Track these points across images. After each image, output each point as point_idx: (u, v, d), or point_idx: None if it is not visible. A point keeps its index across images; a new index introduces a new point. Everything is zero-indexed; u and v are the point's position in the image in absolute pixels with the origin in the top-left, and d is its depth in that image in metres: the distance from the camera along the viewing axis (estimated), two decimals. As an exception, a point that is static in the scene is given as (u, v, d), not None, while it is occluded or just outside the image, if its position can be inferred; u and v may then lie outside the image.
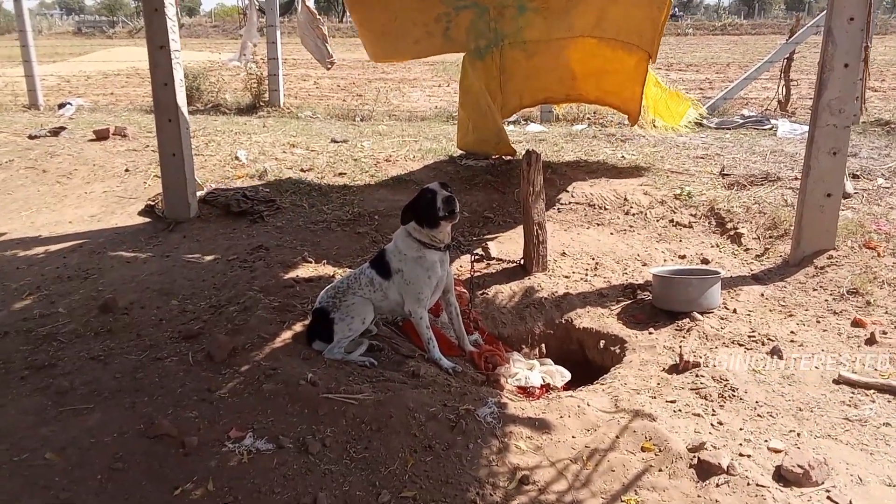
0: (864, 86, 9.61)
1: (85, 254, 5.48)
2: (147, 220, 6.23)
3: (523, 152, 5.14)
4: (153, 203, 6.33)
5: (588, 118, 11.00)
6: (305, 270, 5.01)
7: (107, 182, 7.12)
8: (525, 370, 4.12)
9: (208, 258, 5.31)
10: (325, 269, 5.07)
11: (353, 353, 3.83)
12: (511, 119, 10.78)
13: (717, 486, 2.79)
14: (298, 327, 4.08)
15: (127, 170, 7.38)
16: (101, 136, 8.28)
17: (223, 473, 2.87)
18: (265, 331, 3.96)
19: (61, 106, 12.03)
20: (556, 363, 4.35)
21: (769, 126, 9.95)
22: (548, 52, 7.26)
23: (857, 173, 6.49)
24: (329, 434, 3.11)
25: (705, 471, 2.86)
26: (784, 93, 11.28)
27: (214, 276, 4.94)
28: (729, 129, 9.92)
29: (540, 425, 3.24)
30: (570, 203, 6.31)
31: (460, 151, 7.97)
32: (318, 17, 11.14)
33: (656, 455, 2.99)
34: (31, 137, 8.39)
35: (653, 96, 7.47)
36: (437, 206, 3.66)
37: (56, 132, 8.54)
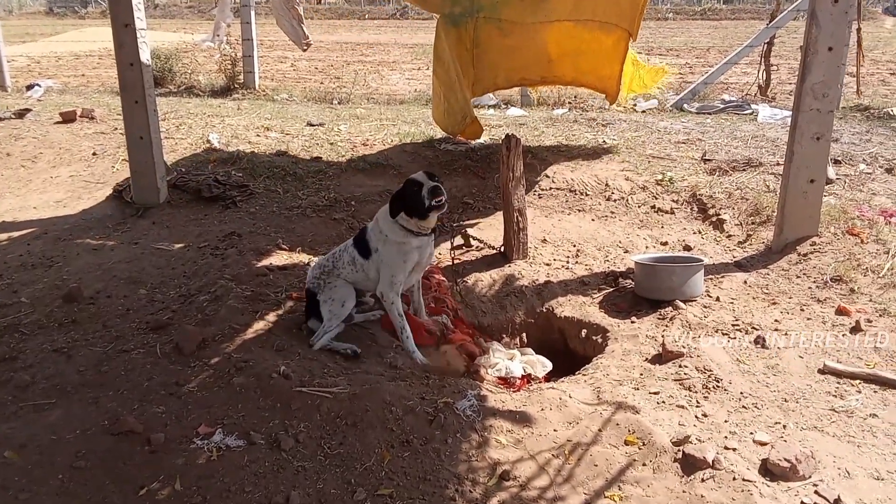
0: (858, 69, 9.57)
1: (50, 241, 5.28)
2: (115, 205, 6.03)
3: (503, 137, 5.01)
4: (121, 188, 6.12)
5: (569, 102, 10.88)
6: (279, 258, 4.86)
7: (73, 166, 6.89)
8: (505, 360, 4.02)
9: (178, 245, 5.14)
10: (300, 257, 4.93)
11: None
12: (491, 103, 10.64)
13: (703, 480, 2.71)
14: (271, 317, 3.95)
15: (94, 153, 7.15)
16: (68, 118, 8.02)
17: (191, 472, 2.75)
18: (236, 321, 3.82)
19: (29, 87, 11.65)
20: (537, 353, 4.25)
21: (750, 111, 9.92)
22: (524, 33, 7.10)
23: (839, 159, 6.46)
24: (302, 429, 2.99)
25: (690, 465, 2.79)
26: (764, 77, 11.22)
27: (184, 264, 4.78)
28: (710, 114, 9.87)
29: (521, 418, 3.15)
30: (550, 188, 6.21)
31: (440, 135, 7.82)
32: (293, -4, 10.86)
33: (640, 449, 2.91)
34: (-6, 120, 8.11)
35: (629, 74, 7.37)
36: (424, 196, 3.56)
37: (21, 114, 8.26)
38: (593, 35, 6.79)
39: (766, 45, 11.06)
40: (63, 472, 2.74)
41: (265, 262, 4.75)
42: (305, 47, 10.98)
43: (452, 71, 6.58)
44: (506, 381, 3.87)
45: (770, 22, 11.02)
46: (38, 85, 11.70)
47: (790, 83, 12.54)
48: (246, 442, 2.90)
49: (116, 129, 7.77)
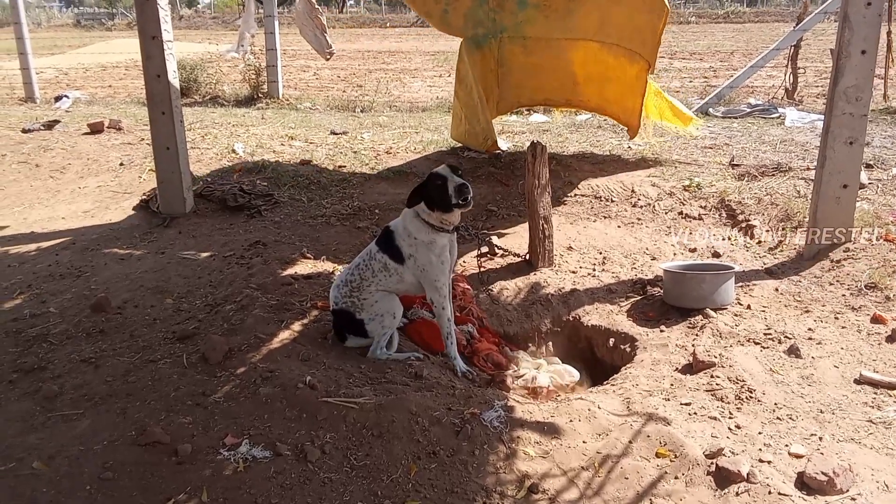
0: (887, 73, 9.40)
1: (77, 251, 5.34)
2: (142, 215, 6.09)
3: (527, 144, 4.98)
4: (148, 198, 6.18)
5: (592, 108, 10.81)
6: (304, 267, 4.86)
7: (101, 176, 6.98)
8: (532, 370, 3.97)
9: (204, 255, 5.17)
10: (325, 266, 4.92)
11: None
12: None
13: (737, 494, 2.64)
14: (297, 327, 3.93)
15: (121, 164, 7.24)
16: (96, 129, 8.13)
17: (218, 483, 2.73)
18: (262, 331, 3.81)
19: (58, 99, 11.86)
20: (563, 362, 4.20)
21: (777, 115, 9.78)
22: (548, 51, 7.08)
23: (871, 163, 6.32)
24: (329, 440, 2.96)
25: (724, 478, 2.72)
26: (791, 81, 11.08)
27: (210, 274, 4.80)
28: (736, 118, 9.74)
29: (549, 430, 3.09)
30: (575, 195, 6.16)
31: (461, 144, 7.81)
32: (316, 6, 10.95)
33: (672, 461, 2.84)
34: (24, 131, 8.24)
35: (655, 104, 7.26)
36: (449, 193, 3.46)
37: (50, 126, 8.39)
38: (618, 62, 6.71)
39: (792, 48, 10.93)
40: (91, 483, 2.74)
41: (290, 272, 4.75)
42: (328, 56, 11.06)
43: (475, 93, 6.60)
44: (532, 391, 3.82)
45: (797, 25, 10.88)
46: (66, 96, 11.90)
47: (817, 86, 12.37)
48: (272, 453, 2.88)
49: (143, 139, 7.87)
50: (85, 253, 5.30)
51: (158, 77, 5.61)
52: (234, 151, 7.47)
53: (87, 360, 3.67)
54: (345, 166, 7.16)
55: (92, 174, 7.06)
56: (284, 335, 3.80)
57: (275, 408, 3.15)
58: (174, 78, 5.73)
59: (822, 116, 8.37)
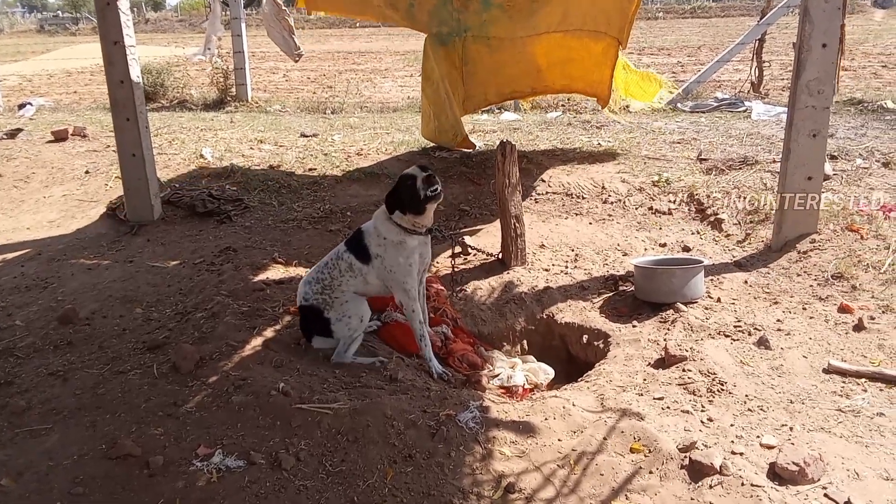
0: (839, 65, 9.56)
1: (44, 262, 5.24)
2: (109, 223, 5.98)
3: (498, 142, 4.98)
4: (115, 206, 6.08)
5: (562, 105, 10.88)
6: (276, 272, 4.82)
7: (66, 185, 6.85)
8: (507, 369, 3.98)
9: (173, 262, 5.10)
10: (297, 270, 4.88)
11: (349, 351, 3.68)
12: (485, 107, 10.61)
13: (711, 487, 2.67)
14: (269, 333, 3.90)
15: (87, 171, 7.11)
16: (60, 136, 7.98)
17: (191, 495, 2.69)
18: (234, 338, 3.77)
19: (21, 106, 11.63)
20: (538, 360, 4.22)
21: (743, 108, 9.91)
22: (512, 47, 7.10)
23: (835, 154, 6.43)
24: (303, 447, 2.94)
25: (697, 471, 2.74)
26: (757, 74, 11.24)
27: (180, 281, 4.74)
28: (703, 112, 9.86)
29: (524, 429, 3.10)
30: (547, 193, 6.18)
31: (433, 143, 7.80)
32: (283, 8, 10.86)
33: (646, 456, 2.86)
34: (-14, 140, 8.07)
35: (623, 79, 7.35)
36: (419, 188, 3.45)
37: (13, 134, 8.22)
38: (582, 42, 6.78)
39: (757, 42, 11.09)
40: (61, 499, 2.68)
41: (261, 277, 4.71)
42: (297, 58, 10.98)
43: (442, 90, 6.58)
44: (508, 391, 3.83)
45: (761, 19, 11.05)
46: (29, 104, 11.68)
47: (782, 79, 12.56)
48: (246, 462, 2.85)
49: (109, 146, 7.73)
50: (51, 264, 5.20)
51: (122, 83, 5.52)
52: (202, 156, 7.38)
53: (55, 373, 3.59)
54: (315, 169, 7.11)
55: (57, 183, 6.93)
56: (256, 342, 3.76)
57: (248, 416, 3.11)
58: (138, 83, 5.64)
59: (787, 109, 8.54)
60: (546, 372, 4.05)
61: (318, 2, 7.43)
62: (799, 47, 4.58)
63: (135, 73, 5.57)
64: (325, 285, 3.66)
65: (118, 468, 2.82)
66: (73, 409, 3.25)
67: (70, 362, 3.72)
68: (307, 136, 8.52)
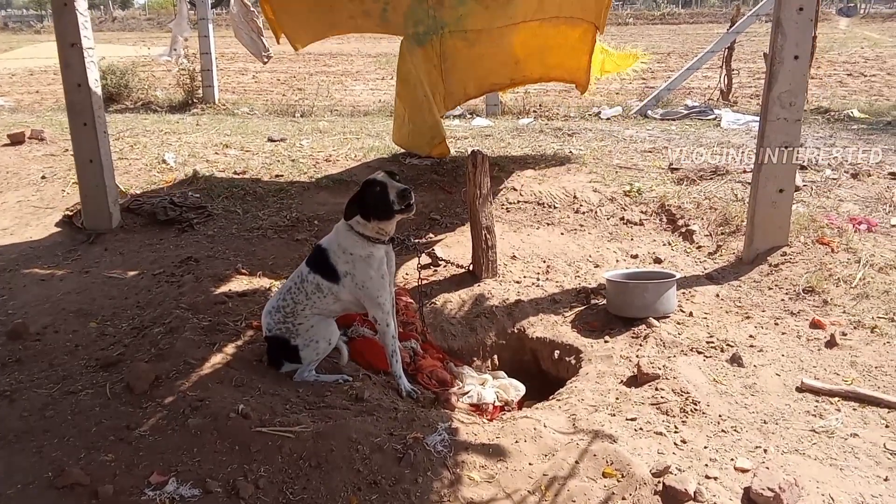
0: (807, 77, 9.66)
1: (-6, 272, 5.01)
2: (65, 231, 5.76)
3: (469, 150, 4.88)
4: (72, 213, 5.86)
5: (534, 111, 10.83)
6: (239, 283, 4.66)
7: (21, 191, 6.59)
8: (477, 386, 3.88)
9: (132, 273, 4.91)
10: (261, 282, 4.73)
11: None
12: (456, 113, 10.54)
13: (685, 514, 2.60)
14: (230, 349, 3.74)
15: (43, 177, 6.86)
16: (16, 140, 7.70)
17: (142, 528, 2.55)
18: (193, 355, 3.61)
19: (-22, 106, 11.28)
20: (509, 375, 4.12)
21: (713, 116, 9.97)
22: (489, 39, 7.02)
23: (805, 164, 6.45)
24: (263, 474, 2.80)
25: (671, 497, 2.66)
26: (726, 82, 11.32)
27: (138, 294, 4.56)
28: (674, 120, 9.89)
29: (494, 452, 3.00)
30: (518, 202, 6.10)
31: (404, 150, 7.68)
32: (252, 9, 10.65)
33: (619, 481, 2.78)
34: (-62, 143, 7.76)
35: (600, 61, 7.37)
36: (391, 199, 3.28)
37: (-33, 136, 7.91)
38: (559, 30, 6.77)
39: (727, 50, 11.17)
40: (2, 533, 2.53)
41: (224, 289, 4.55)
42: (266, 60, 10.79)
43: (419, 91, 6.46)
44: (478, 408, 3.72)
45: (731, 27, 11.13)
46: (-13, 104, 11.32)
47: (750, 87, 12.69)
48: (202, 491, 2.71)
49: (67, 150, 7.47)
50: (2, 274, 4.98)
51: (79, 86, 5.31)
52: (164, 162, 7.17)
53: (2, 393, 3.39)
54: (282, 175, 6.95)
55: (11, 188, 6.66)
56: (216, 359, 3.61)
57: (205, 440, 2.96)
58: (96, 87, 5.43)
59: (757, 118, 8.56)
60: (517, 388, 3.96)
61: (299, 36, 7.25)
62: (771, 59, 4.55)
63: (92, 77, 5.36)
64: (287, 313, 3.50)
65: (65, 499, 2.67)
66: (20, 433, 3.08)
67: (18, 381, 3.53)
68: (275, 141, 8.35)
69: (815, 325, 3.91)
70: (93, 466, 2.82)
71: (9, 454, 2.94)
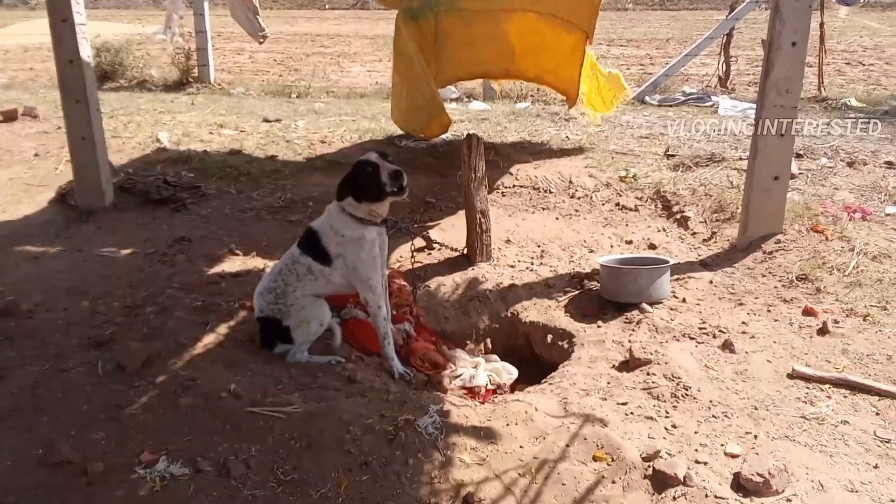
0: (822, 63, 9.62)
1: (-15, 249, 4.98)
2: (58, 209, 5.71)
3: (465, 133, 4.86)
4: (64, 191, 5.81)
5: (532, 95, 10.78)
6: (232, 264, 4.65)
7: (13, 168, 6.53)
8: (470, 368, 3.88)
9: (124, 252, 4.89)
10: (254, 262, 4.72)
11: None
12: (453, 96, 10.48)
13: (674, 499, 2.61)
14: (223, 329, 3.74)
15: (36, 154, 6.80)
16: (9, 116, 7.62)
17: (131, 505, 2.54)
18: (185, 335, 3.60)
19: (-29, 83, 11.15)
20: (502, 359, 4.13)
21: (710, 103, 9.93)
22: (486, 22, 6.94)
23: (801, 152, 6.43)
24: (254, 454, 2.81)
25: (661, 482, 2.68)
26: (724, 69, 11.27)
27: (130, 273, 4.54)
28: (671, 106, 9.86)
29: (485, 434, 3.00)
30: (514, 186, 6.08)
31: (400, 132, 7.63)
32: (248, -12, 10.53)
33: (609, 465, 2.79)
34: (-71, 119, 7.67)
35: (589, 83, 7.25)
36: (382, 180, 3.27)
37: (-42, 112, 7.81)
38: (555, 32, 6.68)
39: (725, 37, 11.12)
40: (-10, 509, 2.53)
41: (217, 269, 4.54)
42: (262, 40, 10.70)
43: (416, 65, 6.38)
44: (471, 391, 3.73)
45: (730, 13, 11.07)
46: (-20, 80, 11.20)
47: (748, 74, 12.64)
48: (192, 469, 2.71)
49: (60, 127, 7.39)
50: (-6, 251, 4.95)
51: (71, 63, 5.24)
52: (158, 140, 7.11)
53: (-8, 371, 3.39)
54: (277, 156, 6.91)
55: (3, 166, 6.60)
56: (209, 339, 3.61)
57: (196, 420, 2.97)
58: (89, 63, 5.37)
59: (754, 105, 8.55)
60: (509, 372, 3.96)
61: None
62: (769, 45, 4.53)
63: (85, 53, 5.30)
64: (278, 294, 3.49)
65: (55, 476, 2.67)
66: (9, 411, 3.08)
67: (9, 359, 3.52)
68: (270, 122, 8.29)
69: (808, 312, 3.92)
70: (83, 444, 2.82)
71: (-2, 431, 2.94)
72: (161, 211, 5.59)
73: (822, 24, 8.99)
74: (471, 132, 4.82)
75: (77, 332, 3.80)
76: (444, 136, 7.13)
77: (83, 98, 5.33)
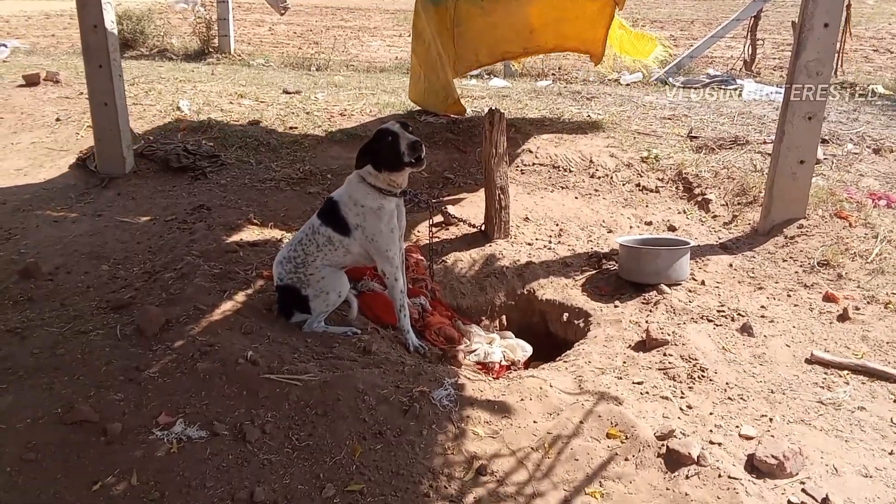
0: (843, 46, 9.42)
1: (7, 211, 5.03)
2: (78, 174, 5.75)
3: (486, 110, 4.81)
4: (85, 156, 5.84)
5: (553, 73, 10.67)
6: (250, 233, 4.66)
7: (35, 132, 6.57)
8: (485, 344, 3.88)
9: (144, 218, 4.92)
10: (272, 233, 4.72)
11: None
12: (474, 73, 10.38)
13: (687, 477, 2.61)
14: (241, 297, 3.75)
15: (58, 119, 6.83)
16: (32, 81, 7.65)
17: (149, 465, 2.57)
18: (203, 301, 3.61)
19: (-5, 47, 11.18)
20: (517, 336, 4.12)
21: (735, 86, 9.77)
22: (506, 8, 6.91)
23: (826, 138, 6.33)
24: (269, 419, 2.83)
25: (674, 461, 2.68)
26: (750, 52, 11.08)
27: (150, 239, 4.57)
28: (694, 88, 9.71)
29: (499, 409, 3.01)
30: (533, 164, 6.04)
31: (421, 107, 7.59)
32: (271, -42, 10.48)
33: (622, 443, 2.79)
34: (-47, 82, 7.73)
35: (618, 37, 7.22)
36: (401, 150, 3.24)
37: (-18, 76, 7.88)
38: (577, 3, 6.63)
39: (752, 20, 10.90)
40: (12, 464, 2.56)
41: (235, 238, 4.55)
42: (283, 11, 10.67)
43: (433, 50, 6.37)
44: (485, 367, 3.73)
45: (758, -5, 10.85)
46: (4, 45, 11.23)
47: (774, 58, 12.42)
48: (209, 433, 2.74)
49: (82, 93, 7.43)
50: (15, 214, 4.99)
51: (95, 28, 5.24)
52: (179, 109, 7.12)
53: (13, 330, 3.44)
54: (296, 128, 6.89)
55: (26, 129, 6.64)
56: (227, 306, 3.62)
57: (213, 384, 2.99)
58: (112, 29, 5.36)
59: (779, 89, 8.41)
60: (524, 349, 3.96)
61: None
62: (800, 26, 4.44)
63: (109, 18, 5.29)
64: (298, 263, 3.50)
65: (74, 434, 2.70)
66: (30, 370, 3.11)
67: (29, 319, 3.56)
68: (290, 93, 8.27)
69: (829, 298, 3.88)
70: (102, 405, 2.85)
71: (19, 389, 2.97)
72: (180, 179, 5.61)
73: (848, 6, 8.77)
74: (493, 108, 4.78)
75: (96, 295, 3.83)
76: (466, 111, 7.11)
77: (106, 63, 5.33)
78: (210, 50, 11.64)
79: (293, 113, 7.37)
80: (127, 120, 5.69)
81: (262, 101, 7.79)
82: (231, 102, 7.65)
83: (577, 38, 7.14)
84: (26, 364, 3.14)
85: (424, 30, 6.63)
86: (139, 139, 6.10)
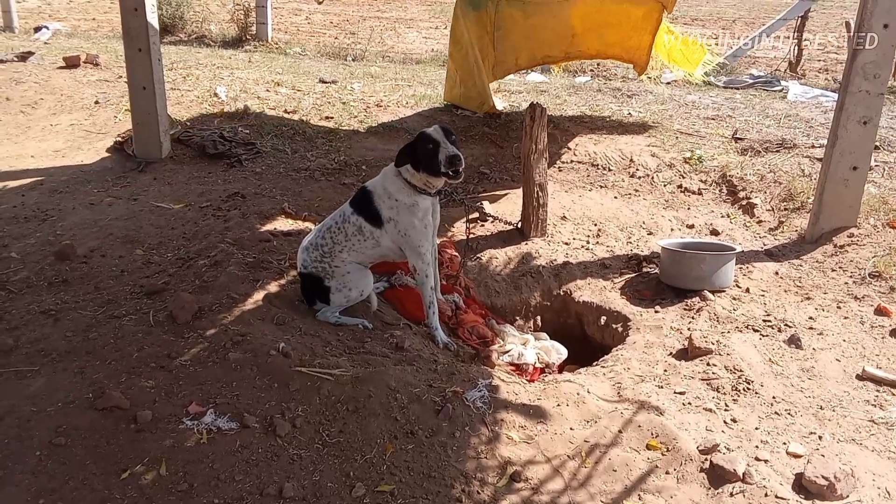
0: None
1: (45, 192, 5.05)
2: (115, 158, 5.77)
3: (525, 105, 4.71)
4: (123, 140, 5.86)
5: (591, 70, 10.50)
6: (284, 223, 4.62)
7: (74, 114, 6.61)
8: (518, 345, 3.79)
9: (179, 204, 4.90)
10: (306, 223, 4.68)
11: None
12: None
13: (731, 495, 2.49)
14: (273, 287, 3.70)
15: (97, 102, 6.87)
16: (72, 63, 7.70)
17: (178, 455, 2.53)
18: (236, 290, 3.58)
19: (37, 30, 11.30)
20: (552, 338, 4.02)
21: (779, 87, 9.52)
22: (549, 12, 6.79)
23: (878, 144, 6.11)
24: (300, 413, 2.77)
25: (718, 476, 2.56)
26: (796, 53, 10.78)
27: (185, 225, 4.55)
28: (737, 88, 9.48)
29: (535, 413, 2.92)
30: (571, 162, 5.92)
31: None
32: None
33: (663, 455, 2.68)
34: (-4, 61, 7.80)
35: (665, 44, 7.03)
36: (440, 160, 3.19)
37: (24, 57, 7.92)
38: (622, 7, 6.48)
39: (800, 19, 10.61)
40: (41, 448, 2.53)
41: (269, 227, 4.51)
42: (320, 0, 10.61)
43: (471, 55, 6.31)
44: (518, 368, 3.65)
45: (807, -5, 10.55)
46: (46, 27, 11.35)
47: (819, 60, 12.08)
48: (239, 424, 2.69)
49: (121, 76, 7.47)
50: (53, 195, 5.01)
51: (136, 11, 5.24)
52: (216, 95, 7.12)
53: (47, 311, 3.43)
54: (332, 118, 6.85)
55: (65, 111, 6.69)
56: (259, 296, 3.57)
57: (244, 375, 2.94)
58: (153, 13, 5.36)
59: (826, 92, 8.16)
60: (559, 351, 3.86)
61: None
62: (857, 26, 4.26)
63: (149, 2, 5.29)
64: (325, 252, 3.45)
65: (104, 420, 2.67)
66: (63, 353, 3.10)
67: (63, 301, 3.56)
68: (326, 83, 8.22)
69: (881, 311, 3.72)
70: (133, 391, 2.82)
71: (51, 372, 2.96)
72: (216, 165, 5.60)
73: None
74: (534, 101, 4.67)
75: (130, 279, 3.81)
76: (500, 107, 7.01)
77: (146, 47, 5.33)
78: (247, 37, 11.65)
79: (329, 103, 7.33)
80: (165, 105, 5.68)
81: (298, 90, 7.76)
82: (268, 90, 7.63)
83: (620, 46, 6.97)
84: (59, 347, 3.12)
85: (463, 35, 6.57)
86: (176, 124, 6.09)
